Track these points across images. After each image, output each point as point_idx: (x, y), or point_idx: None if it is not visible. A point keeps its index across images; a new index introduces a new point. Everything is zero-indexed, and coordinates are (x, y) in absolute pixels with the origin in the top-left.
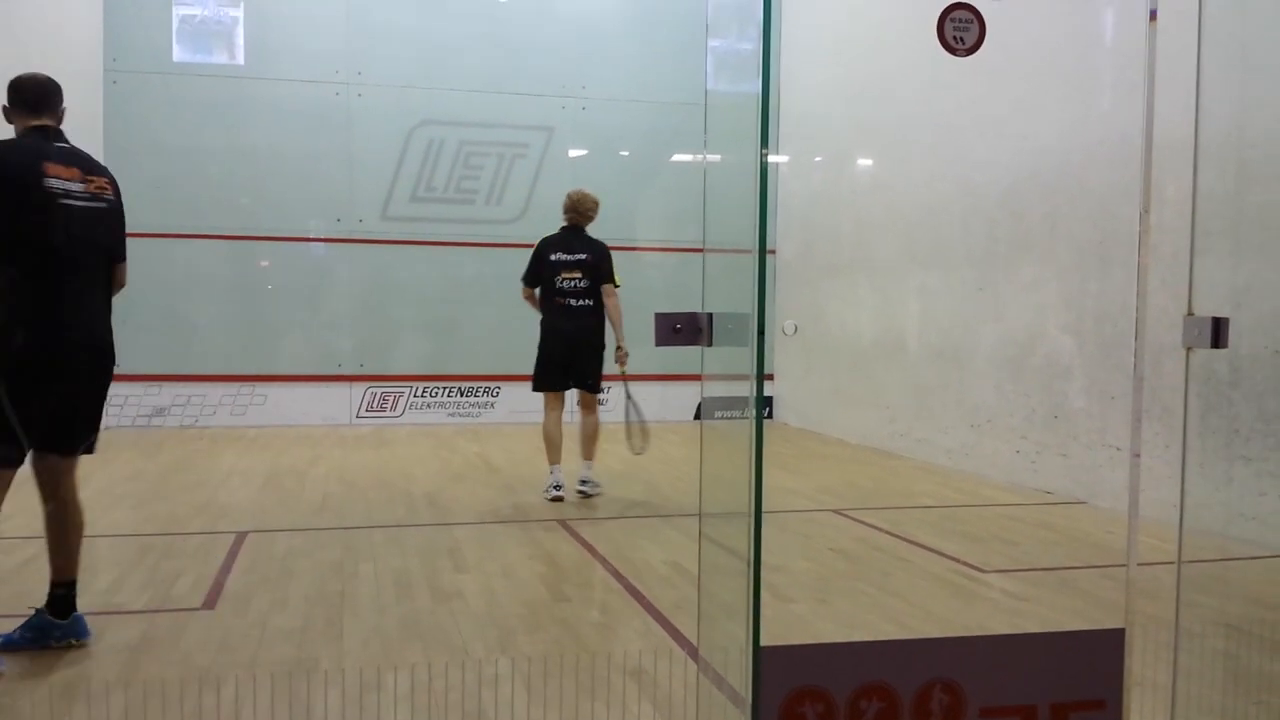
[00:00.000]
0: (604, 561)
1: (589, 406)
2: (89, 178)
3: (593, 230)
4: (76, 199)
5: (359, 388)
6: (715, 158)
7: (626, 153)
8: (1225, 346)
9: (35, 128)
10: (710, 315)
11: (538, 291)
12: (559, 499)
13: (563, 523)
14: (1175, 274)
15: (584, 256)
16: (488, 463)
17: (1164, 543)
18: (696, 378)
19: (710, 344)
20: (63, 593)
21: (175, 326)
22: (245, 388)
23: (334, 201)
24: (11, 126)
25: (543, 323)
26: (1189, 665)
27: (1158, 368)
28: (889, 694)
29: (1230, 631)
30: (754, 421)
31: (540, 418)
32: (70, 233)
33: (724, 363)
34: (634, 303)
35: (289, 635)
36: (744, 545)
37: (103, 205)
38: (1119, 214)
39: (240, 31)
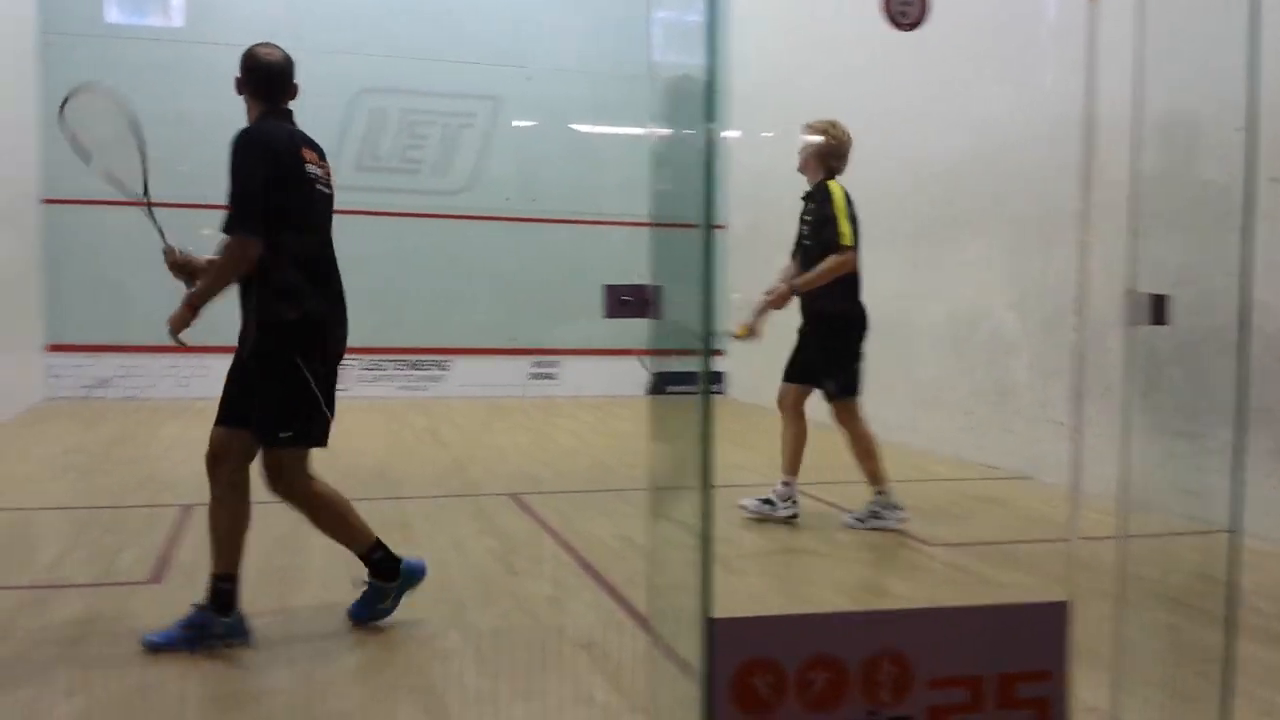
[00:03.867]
0: (555, 535)
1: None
2: (323, 163)
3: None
4: (323, 186)
5: None
6: (663, 131)
7: (575, 124)
8: (1166, 324)
9: (280, 110)
10: (659, 288)
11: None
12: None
13: (514, 497)
14: (1117, 251)
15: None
16: (438, 437)
17: (1106, 517)
18: (646, 352)
19: (659, 317)
20: (379, 556)
21: (116, 296)
22: (189, 359)
23: None
24: (243, 97)
25: (855, 304)
26: (1131, 637)
27: (1100, 344)
28: (838, 665)
29: (1172, 604)
30: (701, 394)
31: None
32: (325, 220)
33: (674, 337)
34: (584, 277)
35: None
36: (693, 518)
37: (330, 192)
38: (1060, 192)
39: None
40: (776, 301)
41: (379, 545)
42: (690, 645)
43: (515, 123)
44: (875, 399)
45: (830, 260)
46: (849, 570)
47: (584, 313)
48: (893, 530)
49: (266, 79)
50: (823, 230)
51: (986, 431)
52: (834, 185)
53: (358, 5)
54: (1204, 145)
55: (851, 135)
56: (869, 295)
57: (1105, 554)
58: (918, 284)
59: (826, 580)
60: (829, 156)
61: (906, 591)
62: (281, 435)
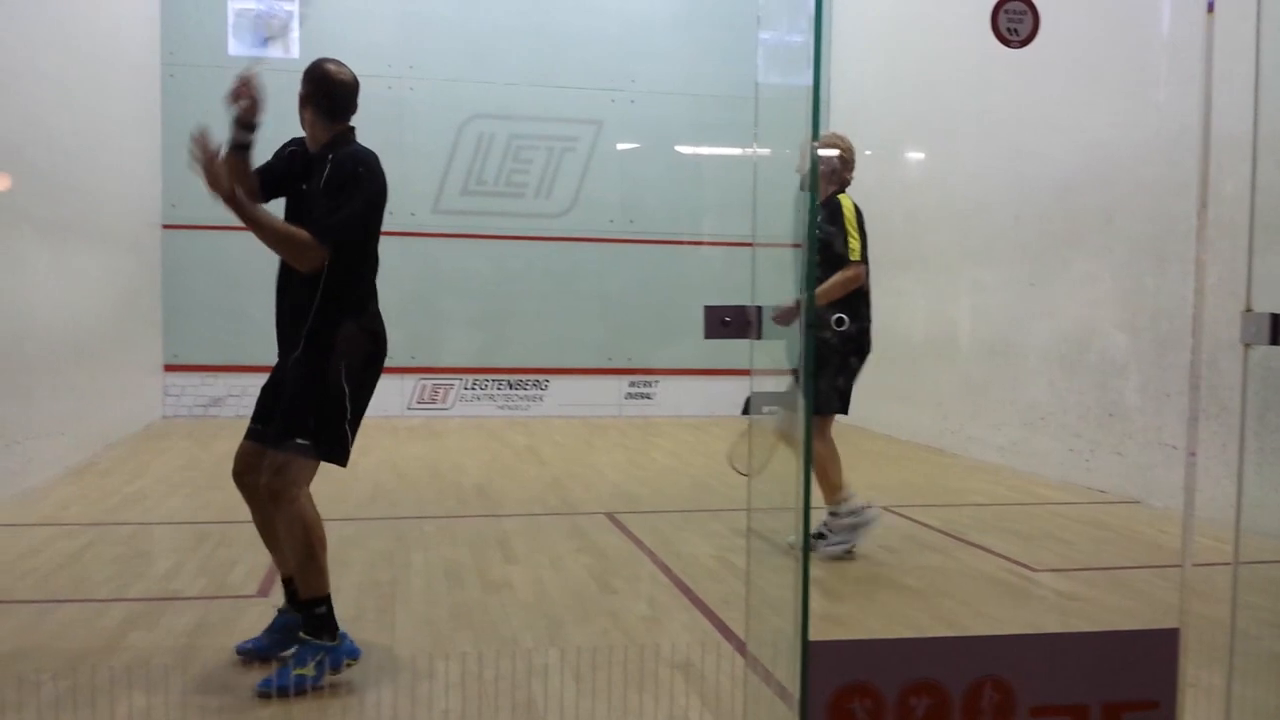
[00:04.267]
0: (651, 555)
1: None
2: None
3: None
4: None
5: (410, 379)
6: (765, 151)
7: (676, 146)
8: None
9: (350, 129)
10: (759, 309)
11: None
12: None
13: (610, 516)
14: (1233, 270)
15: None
16: (537, 455)
17: (1220, 543)
18: (745, 372)
19: (759, 337)
20: (322, 611)
21: (230, 318)
22: None
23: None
24: (307, 117)
25: (856, 321)
26: (1245, 667)
27: (1214, 365)
28: (939, 691)
29: None
30: (803, 416)
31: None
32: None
33: (773, 357)
34: (682, 297)
35: (342, 623)
36: (791, 539)
37: None
38: (1175, 209)
39: (295, 25)
40: (783, 317)
41: (327, 601)
42: (787, 669)
43: (618, 145)
44: (981, 420)
45: (839, 274)
46: (949, 595)
47: (683, 333)
48: (864, 528)
49: (344, 98)
50: (831, 245)
51: (1095, 454)
52: (845, 199)
53: (466, 33)
54: None
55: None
56: (976, 313)
57: (1218, 580)
58: (1026, 302)
59: (925, 605)
60: (841, 170)
61: (1010, 617)
62: (299, 441)
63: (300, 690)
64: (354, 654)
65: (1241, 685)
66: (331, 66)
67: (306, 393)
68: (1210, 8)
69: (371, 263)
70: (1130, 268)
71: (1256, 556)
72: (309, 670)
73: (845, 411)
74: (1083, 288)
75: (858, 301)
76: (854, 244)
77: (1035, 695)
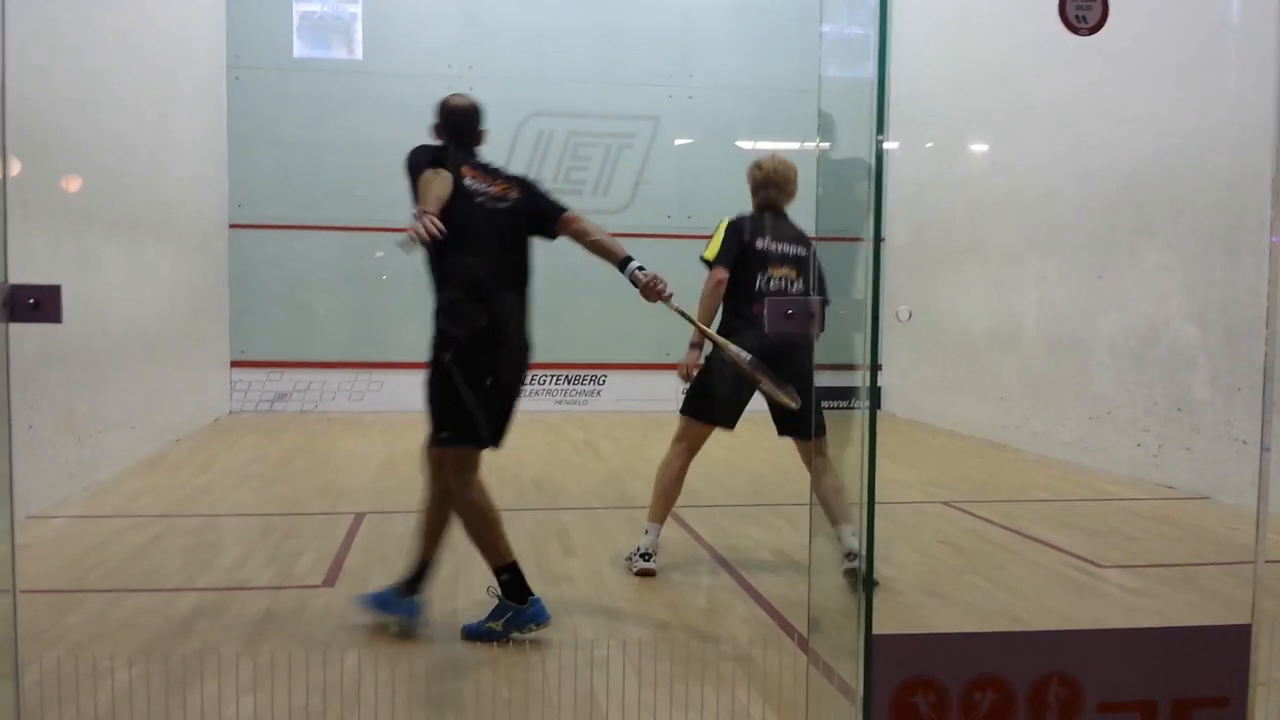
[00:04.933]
0: (710, 549)
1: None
2: (495, 181)
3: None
4: (484, 200)
5: None
6: (826, 145)
7: (734, 140)
8: None
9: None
10: (823, 302)
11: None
12: (649, 572)
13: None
14: None
15: (801, 251)
16: (594, 449)
17: None
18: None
19: (822, 330)
20: (506, 578)
21: (296, 315)
22: (363, 374)
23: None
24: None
25: (725, 328)
26: None
27: None
28: (1004, 686)
29: None
30: (867, 411)
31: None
32: (487, 235)
33: (835, 352)
34: None
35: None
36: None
37: (507, 204)
38: (1246, 198)
39: (358, 27)
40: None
41: (511, 569)
42: (848, 662)
43: (676, 141)
44: (1045, 414)
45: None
46: (1012, 590)
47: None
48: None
49: (446, 121)
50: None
51: (1163, 450)
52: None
53: (525, 33)
54: None
55: (781, 167)
56: (1041, 305)
57: None
58: (1093, 295)
59: (988, 599)
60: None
61: (1075, 613)
62: (442, 435)
63: (488, 639)
64: (538, 619)
65: None
66: (450, 97)
67: (429, 389)
68: None
69: (453, 252)
70: (1200, 258)
71: None
72: (497, 626)
73: (712, 421)
74: (1151, 279)
75: (729, 305)
76: (709, 250)
77: (1103, 690)
